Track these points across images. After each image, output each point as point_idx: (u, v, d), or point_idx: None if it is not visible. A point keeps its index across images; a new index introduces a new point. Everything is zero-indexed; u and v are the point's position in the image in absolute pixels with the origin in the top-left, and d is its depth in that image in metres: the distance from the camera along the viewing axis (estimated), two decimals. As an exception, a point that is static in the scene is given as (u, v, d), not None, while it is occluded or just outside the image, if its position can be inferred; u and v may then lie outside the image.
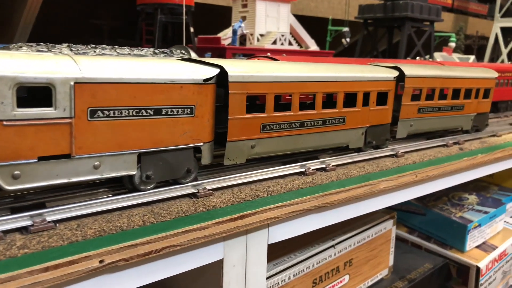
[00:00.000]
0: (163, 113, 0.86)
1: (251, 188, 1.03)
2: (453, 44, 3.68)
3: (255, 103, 1.09)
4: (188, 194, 0.95)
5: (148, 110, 0.84)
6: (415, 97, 1.43)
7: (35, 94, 0.78)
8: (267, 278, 1.18)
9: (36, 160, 0.73)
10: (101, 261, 0.73)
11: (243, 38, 2.76)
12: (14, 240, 0.71)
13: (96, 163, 0.80)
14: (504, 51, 4.81)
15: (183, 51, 1.19)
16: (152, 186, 0.90)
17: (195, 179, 0.98)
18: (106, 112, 0.79)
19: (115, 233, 0.79)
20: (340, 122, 1.21)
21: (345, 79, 1.17)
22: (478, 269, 1.79)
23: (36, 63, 0.72)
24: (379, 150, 1.38)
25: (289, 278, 1.26)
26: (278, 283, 1.22)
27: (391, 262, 1.71)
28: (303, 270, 1.30)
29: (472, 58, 3.53)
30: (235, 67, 0.96)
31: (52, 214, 0.77)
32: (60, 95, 0.73)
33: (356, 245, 1.50)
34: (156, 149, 0.87)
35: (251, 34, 2.72)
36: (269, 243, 1.02)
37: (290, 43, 2.83)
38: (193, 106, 0.90)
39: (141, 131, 0.84)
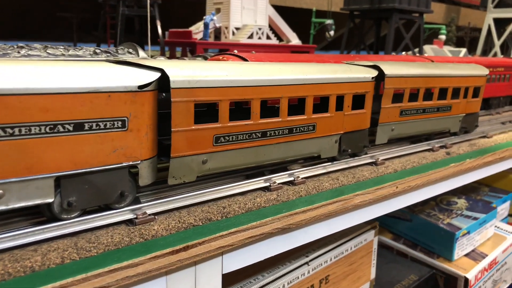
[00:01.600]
0: (86, 128, 0.72)
1: (203, 209, 0.89)
2: (443, 37, 3.53)
3: (206, 112, 0.96)
4: (125, 221, 0.81)
5: (66, 126, 0.70)
6: (397, 99, 1.30)
7: None
8: (228, 305, 1.05)
9: None
10: (-3, 316, 0.60)
11: (219, 31, 2.60)
12: None
13: (-2, 191, 0.65)
14: (497, 43, 4.67)
15: (130, 50, 1.05)
16: (76, 214, 0.76)
17: (136, 202, 0.84)
18: (8, 130, 0.65)
19: (23, 276, 0.65)
20: (310, 130, 1.07)
21: (315, 82, 1.03)
22: (466, 280, 1.68)
23: None
24: (356, 158, 1.25)
25: (256, 302, 1.13)
26: (242, 310, 1.09)
27: (373, 275, 1.58)
28: (272, 292, 1.17)
29: (463, 51, 3.39)
30: (180, 70, 0.82)
31: None
32: None
33: (333, 260, 1.37)
34: (78, 171, 0.72)
35: (226, 28, 2.55)
36: (224, 272, 0.89)
37: (268, 37, 2.66)
38: (125, 118, 0.76)
39: (58, 151, 0.70)
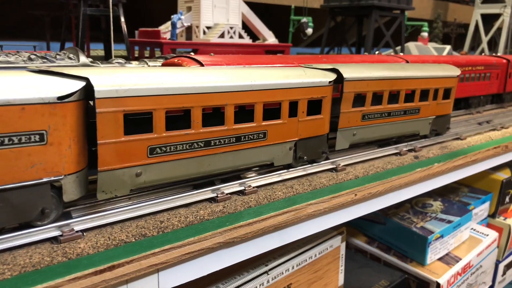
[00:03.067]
0: (-3, 143, 0.67)
1: (139, 224, 0.85)
2: (425, 34, 3.48)
3: (140, 121, 0.91)
4: (50, 239, 0.77)
5: (-28, 141, 0.65)
6: (358, 102, 1.26)
7: None
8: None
9: None
10: None
11: (190, 31, 2.55)
12: None
13: None
14: (485, 40, 4.63)
15: (71, 55, 1.00)
16: (-10, 234, 0.71)
17: (67, 217, 0.80)
18: None
19: None
20: (260, 138, 1.02)
21: (264, 88, 0.99)
22: (438, 285, 1.64)
23: None
24: (315, 164, 1.20)
25: (208, 316, 1.09)
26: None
27: (341, 282, 1.55)
28: (227, 305, 1.13)
29: (448, 48, 3.35)
30: (108, 78, 0.78)
31: None
32: None
33: (296, 268, 1.33)
34: (-10, 188, 0.68)
35: (197, 27, 2.50)
36: (161, 290, 0.85)
37: (240, 36, 2.61)
38: (43, 132, 0.71)
39: (-37, 168, 0.65)
